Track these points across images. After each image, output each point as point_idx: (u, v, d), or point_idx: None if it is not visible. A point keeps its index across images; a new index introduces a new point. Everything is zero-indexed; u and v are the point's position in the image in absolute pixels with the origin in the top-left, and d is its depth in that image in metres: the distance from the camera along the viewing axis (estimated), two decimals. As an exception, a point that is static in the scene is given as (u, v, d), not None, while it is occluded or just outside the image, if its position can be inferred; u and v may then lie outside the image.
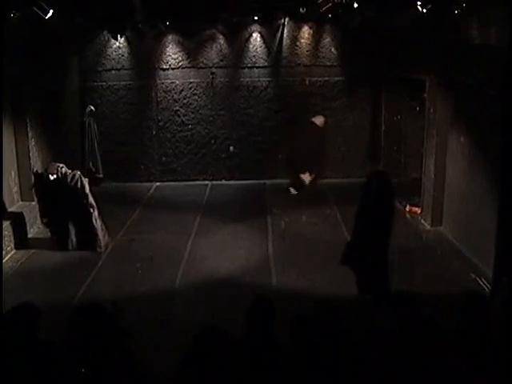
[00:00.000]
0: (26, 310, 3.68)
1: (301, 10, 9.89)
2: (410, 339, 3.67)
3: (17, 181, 9.42)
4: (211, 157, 12.39)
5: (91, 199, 8.47)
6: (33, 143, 9.56)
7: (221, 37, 11.92)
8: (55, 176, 8.38)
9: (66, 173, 8.46)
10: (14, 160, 9.33)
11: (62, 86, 11.00)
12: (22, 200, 9.48)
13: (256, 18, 11.16)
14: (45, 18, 7.35)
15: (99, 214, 8.59)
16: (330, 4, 8.42)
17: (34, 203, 9.27)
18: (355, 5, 7.99)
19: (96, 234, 8.48)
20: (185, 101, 12.17)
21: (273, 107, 12.19)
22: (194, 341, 3.42)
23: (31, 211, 9.25)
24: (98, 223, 8.51)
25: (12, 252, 8.48)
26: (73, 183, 8.41)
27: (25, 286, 7.30)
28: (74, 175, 8.46)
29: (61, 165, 8.53)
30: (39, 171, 9.06)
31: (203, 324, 3.52)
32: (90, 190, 8.61)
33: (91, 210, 8.45)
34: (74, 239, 8.56)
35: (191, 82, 12.12)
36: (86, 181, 8.54)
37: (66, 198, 8.41)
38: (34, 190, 8.98)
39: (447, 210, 9.01)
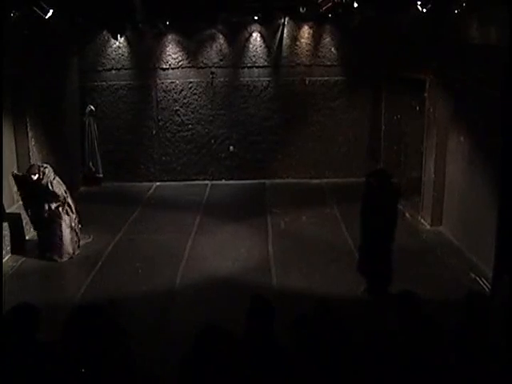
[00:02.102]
0: (26, 311, 3.68)
1: (301, 9, 9.91)
2: (409, 339, 3.67)
3: (17, 181, 9.40)
4: (211, 157, 12.39)
5: (62, 202, 8.12)
6: (33, 143, 9.56)
7: (221, 37, 11.93)
8: (37, 176, 8.01)
9: (45, 173, 8.07)
10: (14, 160, 9.32)
11: (62, 86, 11.00)
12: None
13: (256, 17, 11.17)
14: (45, 18, 7.36)
15: (76, 219, 8.33)
16: (330, 4, 8.42)
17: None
18: (355, 5, 7.99)
19: (60, 242, 8.08)
20: (185, 100, 12.17)
21: (273, 107, 12.20)
22: (194, 340, 3.42)
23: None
24: (65, 230, 8.11)
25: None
26: (46, 185, 8.06)
27: (25, 285, 7.29)
28: (48, 177, 8.07)
29: (44, 165, 8.26)
30: (18, 173, 8.52)
31: (203, 324, 3.52)
32: (71, 194, 8.42)
33: (61, 214, 8.10)
34: (40, 244, 8.24)
35: (191, 82, 12.12)
36: (54, 184, 8.08)
37: (41, 199, 8.09)
38: (18, 191, 8.51)
39: (447, 209, 9.01)
